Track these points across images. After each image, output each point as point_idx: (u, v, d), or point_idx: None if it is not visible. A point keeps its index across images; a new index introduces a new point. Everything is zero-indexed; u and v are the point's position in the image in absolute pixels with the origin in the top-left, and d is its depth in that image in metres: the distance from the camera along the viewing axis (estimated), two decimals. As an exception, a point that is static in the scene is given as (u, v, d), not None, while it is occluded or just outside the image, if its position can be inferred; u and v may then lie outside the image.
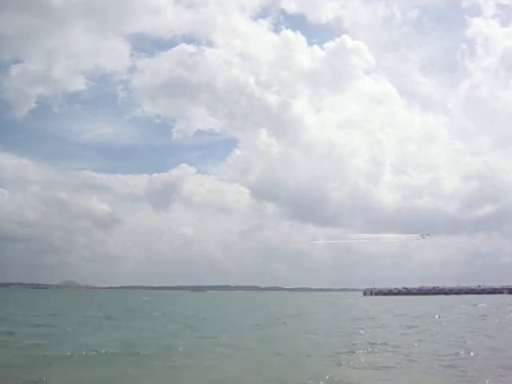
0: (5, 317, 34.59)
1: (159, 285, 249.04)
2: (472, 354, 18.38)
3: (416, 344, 21.45)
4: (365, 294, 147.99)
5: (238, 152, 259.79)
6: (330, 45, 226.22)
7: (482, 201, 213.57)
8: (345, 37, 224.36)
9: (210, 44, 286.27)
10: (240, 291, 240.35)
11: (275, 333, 27.40)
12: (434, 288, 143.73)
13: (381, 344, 21.07)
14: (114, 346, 19.56)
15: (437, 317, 40.27)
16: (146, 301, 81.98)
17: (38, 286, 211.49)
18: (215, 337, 23.75)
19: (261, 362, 16.88)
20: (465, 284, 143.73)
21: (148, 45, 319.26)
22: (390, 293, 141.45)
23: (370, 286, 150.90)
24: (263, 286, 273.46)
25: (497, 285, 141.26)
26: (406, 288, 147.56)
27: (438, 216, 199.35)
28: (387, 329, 29.36)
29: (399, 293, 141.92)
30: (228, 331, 26.92)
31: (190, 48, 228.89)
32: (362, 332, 26.84)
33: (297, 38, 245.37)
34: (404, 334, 26.54)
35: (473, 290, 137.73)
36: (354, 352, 18.80)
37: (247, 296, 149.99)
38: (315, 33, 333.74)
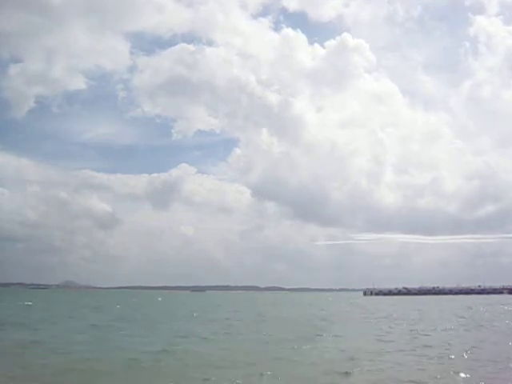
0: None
1: (159, 285, 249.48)
2: None
3: None
4: (365, 293, 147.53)
5: (238, 151, 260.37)
6: (330, 43, 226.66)
7: (483, 200, 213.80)
8: (345, 35, 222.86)
9: (210, 43, 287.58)
10: (240, 291, 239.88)
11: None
12: (433, 288, 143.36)
13: None
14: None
15: None
16: (160, 301, 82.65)
17: (38, 286, 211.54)
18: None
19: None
20: (465, 284, 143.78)
21: (148, 43, 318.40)
22: (390, 293, 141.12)
23: (370, 286, 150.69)
24: (263, 286, 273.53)
25: (497, 285, 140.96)
26: (406, 288, 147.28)
27: (439, 216, 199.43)
28: None
29: (399, 293, 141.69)
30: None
31: (190, 47, 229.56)
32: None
33: (297, 37, 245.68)
34: None
35: (473, 290, 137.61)
36: None
37: (254, 296, 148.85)
38: (316, 31, 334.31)
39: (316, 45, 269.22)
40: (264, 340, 23.22)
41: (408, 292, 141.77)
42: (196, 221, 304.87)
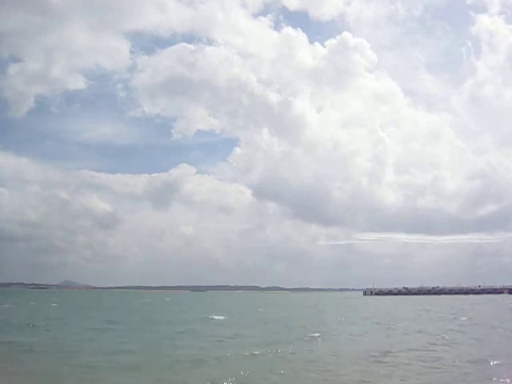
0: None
1: (159, 285, 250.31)
2: None
3: None
4: (365, 293, 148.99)
5: (238, 151, 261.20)
6: (331, 42, 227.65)
7: (484, 200, 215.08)
8: (346, 34, 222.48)
9: (211, 42, 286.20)
10: (240, 291, 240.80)
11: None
12: (433, 288, 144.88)
13: None
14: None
15: None
16: (168, 301, 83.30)
17: (38, 286, 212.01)
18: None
19: None
20: (465, 284, 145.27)
21: (148, 43, 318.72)
22: (390, 293, 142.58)
23: (370, 286, 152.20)
24: (263, 286, 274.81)
25: (497, 285, 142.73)
26: (405, 288, 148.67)
27: (440, 216, 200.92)
28: None
29: (399, 293, 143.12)
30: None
31: (191, 46, 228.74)
32: None
33: (298, 36, 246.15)
34: None
35: (473, 290, 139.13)
36: None
37: (258, 296, 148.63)
38: (317, 30, 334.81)
39: (316, 44, 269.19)
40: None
41: (408, 292, 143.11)
42: (196, 221, 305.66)
